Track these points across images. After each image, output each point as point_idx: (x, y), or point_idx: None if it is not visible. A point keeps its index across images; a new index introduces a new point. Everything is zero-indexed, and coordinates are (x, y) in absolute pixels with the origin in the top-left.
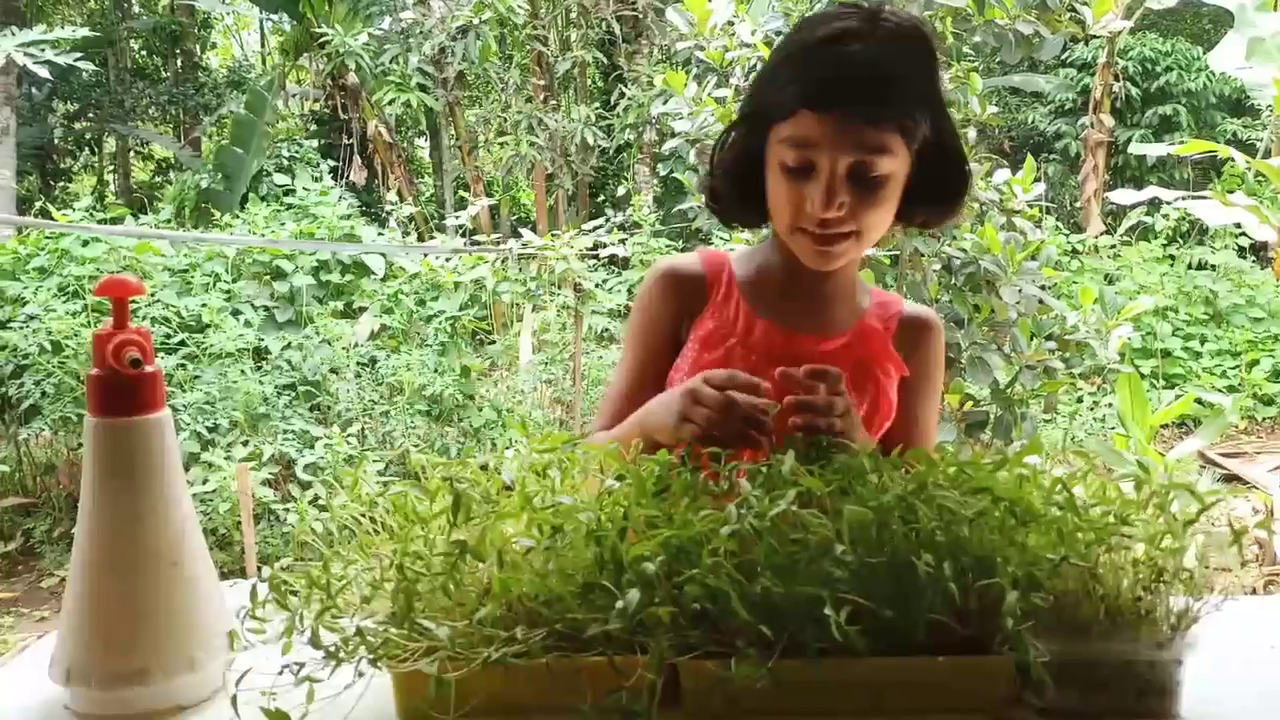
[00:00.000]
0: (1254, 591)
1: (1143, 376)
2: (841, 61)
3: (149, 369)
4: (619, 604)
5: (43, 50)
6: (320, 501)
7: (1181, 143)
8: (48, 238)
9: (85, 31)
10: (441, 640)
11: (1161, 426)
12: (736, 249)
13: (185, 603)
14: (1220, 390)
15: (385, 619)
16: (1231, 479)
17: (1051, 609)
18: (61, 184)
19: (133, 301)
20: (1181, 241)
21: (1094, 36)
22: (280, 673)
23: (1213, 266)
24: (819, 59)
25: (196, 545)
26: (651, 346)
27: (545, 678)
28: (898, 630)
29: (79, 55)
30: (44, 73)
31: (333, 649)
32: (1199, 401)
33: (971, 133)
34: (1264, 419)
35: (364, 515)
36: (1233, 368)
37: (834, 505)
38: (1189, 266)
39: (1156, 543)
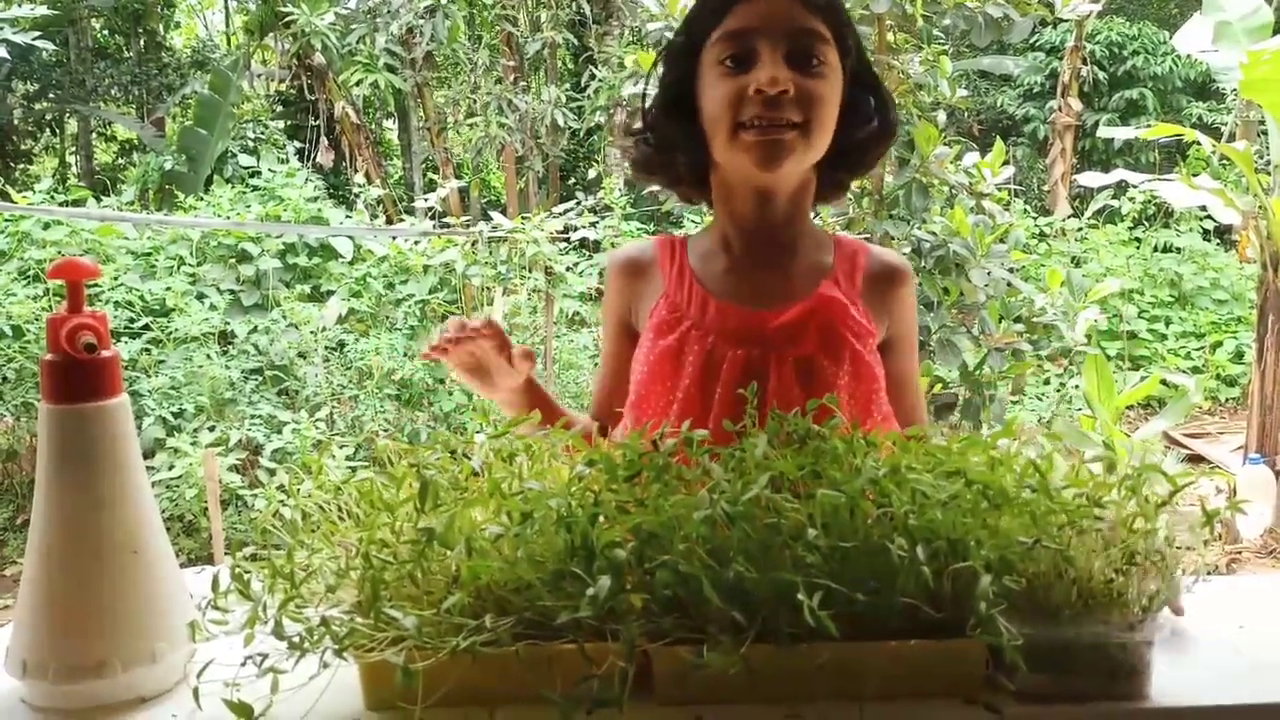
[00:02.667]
0: (1217, 570)
1: (1109, 358)
2: None
3: (105, 354)
4: (590, 591)
5: (1, 29)
6: (286, 487)
7: (1149, 126)
8: (7, 220)
9: (44, 10)
10: (408, 630)
11: (1127, 407)
12: (694, 232)
13: (146, 593)
14: (1185, 371)
15: (351, 608)
16: (1195, 459)
17: (1024, 592)
18: (21, 166)
19: (95, 285)
20: (1147, 225)
21: (1062, 20)
22: (243, 664)
23: (1178, 249)
24: None
25: (157, 533)
26: (614, 339)
27: (515, 666)
28: (871, 615)
29: (38, 34)
30: (2, 52)
31: (297, 639)
32: (1164, 383)
33: (941, 116)
34: (1227, 400)
35: (330, 503)
36: (1197, 349)
37: (806, 489)
38: (1154, 249)
39: (1128, 525)
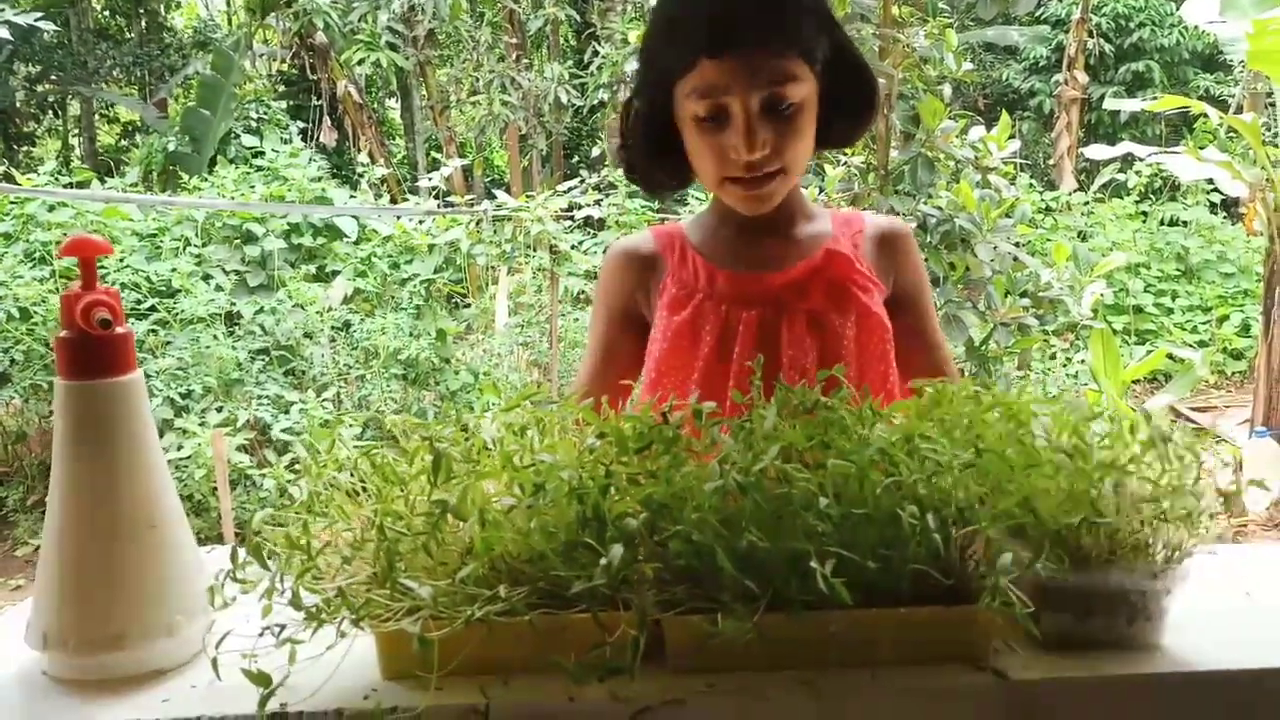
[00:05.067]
0: (1223, 541)
1: (1115, 332)
2: (723, 3)
3: (119, 330)
4: (603, 560)
5: (2, 10)
6: (297, 466)
7: (1155, 98)
8: (13, 203)
9: None
10: (424, 599)
11: (1133, 382)
12: (687, 218)
13: (163, 566)
14: (1191, 345)
15: (366, 580)
16: (1201, 433)
17: (1056, 537)
18: (25, 148)
19: (101, 266)
20: (1154, 198)
21: None
22: (261, 634)
23: (1184, 223)
24: (708, 3)
25: (173, 508)
26: (611, 327)
27: (529, 635)
28: (882, 582)
29: (39, 15)
30: (4, 33)
31: (314, 610)
32: (1170, 357)
33: (947, 89)
34: (1233, 373)
35: (343, 475)
36: (1203, 323)
37: (816, 459)
38: (1161, 223)
39: (1159, 479)
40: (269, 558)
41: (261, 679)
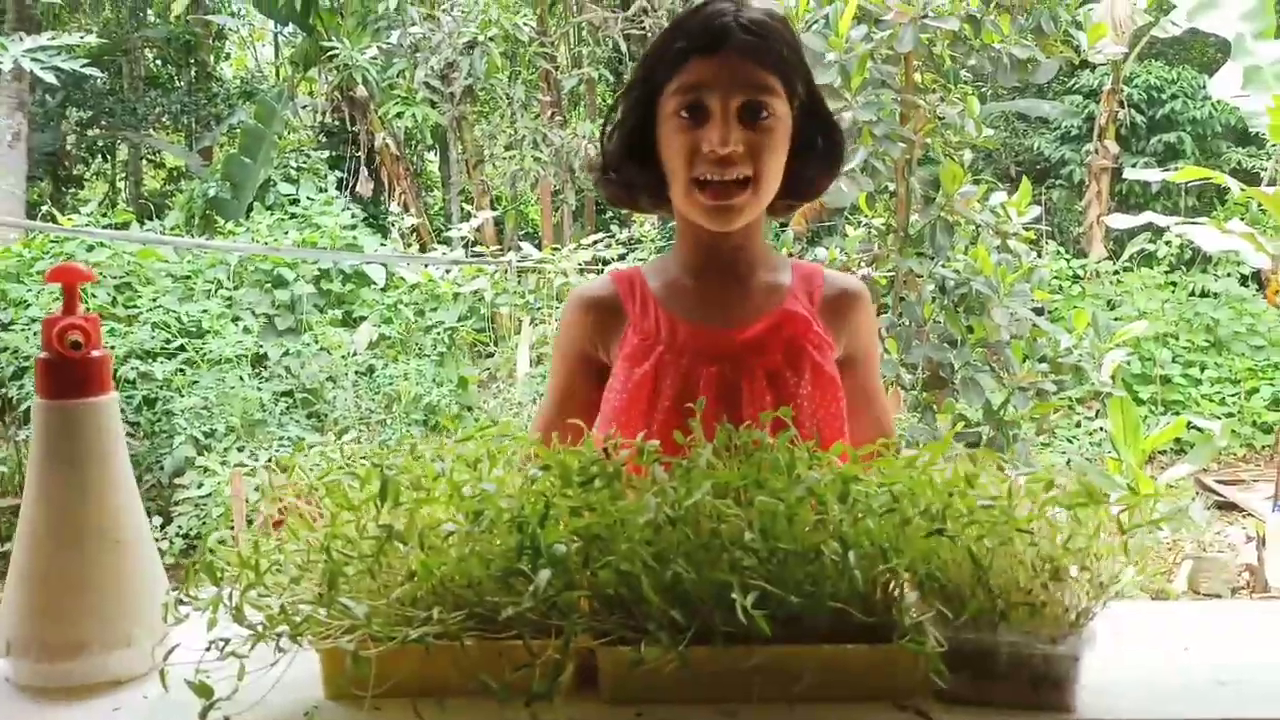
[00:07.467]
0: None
1: (1141, 402)
2: (722, 13)
3: (95, 354)
4: (531, 585)
5: (52, 56)
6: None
7: (1177, 169)
8: (53, 242)
9: (96, 39)
10: (359, 619)
11: (1159, 452)
12: (648, 261)
13: (126, 579)
14: (1218, 417)
15: (312, 599)
16: (1228, 506)
17: (946, 598)
18: (73, 190)
19: (134, 305)
20: (1184, 269)
21: (1090, 64)
22: (208, 649)
23: (1214, 294)
24: (700, 17)
25: (139, 524)
26: (569, 374)
27: (464, 658)
28: (806, 618)
29: (88, 62)
30: (50, 78)
31: (257, 626)
32: (1196, 428)
33: (968, 154)
34: (1263, 447)
35: (304, 499)
36: (1232, 395)
37: (750, 498)
38: (1190, 293)
39: (1055, 540)
40: (219, 572)
41: (203, 690)
